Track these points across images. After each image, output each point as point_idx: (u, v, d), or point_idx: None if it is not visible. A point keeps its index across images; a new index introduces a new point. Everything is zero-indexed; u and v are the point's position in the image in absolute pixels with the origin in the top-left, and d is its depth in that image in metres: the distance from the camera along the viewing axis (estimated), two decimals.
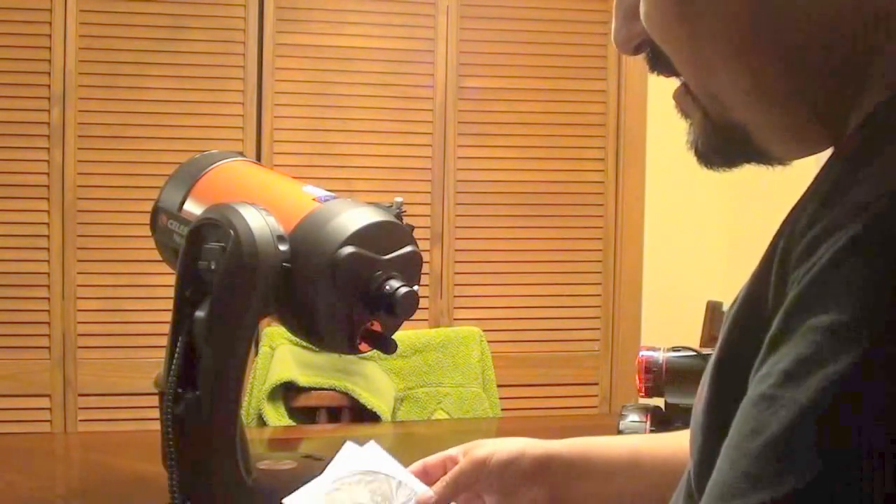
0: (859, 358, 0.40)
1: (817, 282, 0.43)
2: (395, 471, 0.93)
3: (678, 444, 0.91)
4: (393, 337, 1.02)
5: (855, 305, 0.41)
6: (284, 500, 0.89)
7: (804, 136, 0.57)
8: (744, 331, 0.50)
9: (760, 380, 0.44)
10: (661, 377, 1.28)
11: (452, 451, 0.95)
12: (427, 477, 0.94)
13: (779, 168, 0.60)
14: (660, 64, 0.60)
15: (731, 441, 0.45)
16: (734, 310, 0.53)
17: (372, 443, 0.95)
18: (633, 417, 1.21)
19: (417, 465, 0.95)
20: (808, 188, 0.51)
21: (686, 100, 0.60)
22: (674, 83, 0.62)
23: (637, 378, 1.30)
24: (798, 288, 0.44)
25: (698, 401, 0.58)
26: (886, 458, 0.39)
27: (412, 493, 0.91)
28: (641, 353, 1.31)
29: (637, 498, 0.91)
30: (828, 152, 0.56)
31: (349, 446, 0.94)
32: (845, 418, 0.40)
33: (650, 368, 1.29)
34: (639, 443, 0.94)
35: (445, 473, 0.93)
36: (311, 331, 1.00)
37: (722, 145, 0.59)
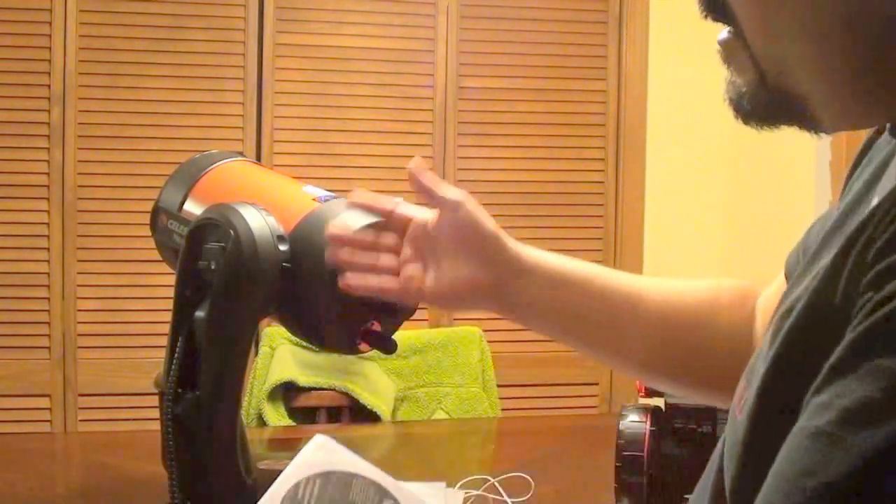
0: None
1: (892, 319, 0.41)
2: (351, 464, 0.91)
3: (628, 280, 0.92)
4: (393, 337, 1.02)
5: None
6: None
7: (863, 112, 0.54)
8: (805, 339, 0.48)
9: (818, 409, 0.43)
10: None
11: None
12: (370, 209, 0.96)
13: (811, 157, 0.58)
14: (716, 7, 0.56)
15: (783, 471, 0.43)
16: (798, 311, 0.50)
17: (323, 438, 0.94)
18: (633, 417, 1.21)
19: (375, 195, 0.98)
20: (887, 197, 0.48)
21: (740, 54, 0.56)
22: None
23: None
24: (870, 321, 0.42)
25: (738, 399, 0.56)
26: None
27: (371, 486, 0.90)
28: None
29: (581, 322, 0.91)
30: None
31: (306, 449, 0.92)
32: None
33: None
34: (596, 268, 0.93)
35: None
36: (311, 331, 1.00)
37: (771, 107, 0.56)
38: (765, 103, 0.56)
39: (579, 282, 0.92)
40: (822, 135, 0.58)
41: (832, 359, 0.43)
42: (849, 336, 0.42)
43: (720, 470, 0.58)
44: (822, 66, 0.53)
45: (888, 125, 0.56)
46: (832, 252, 0.49)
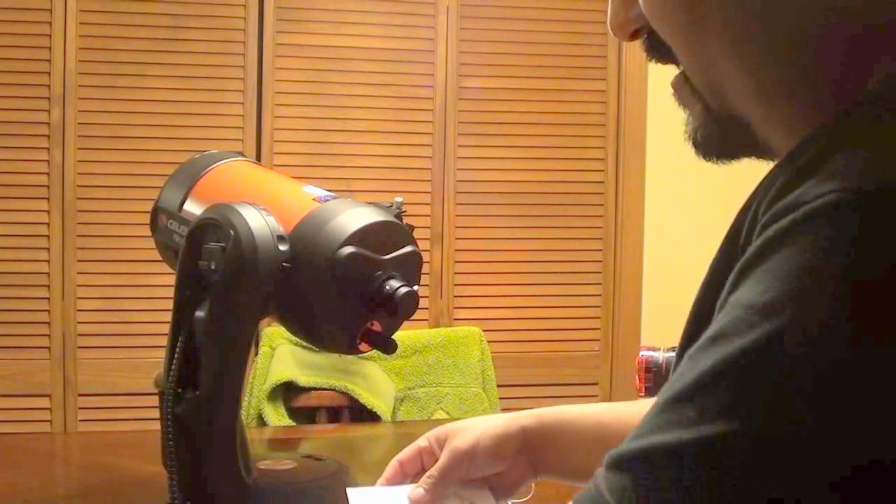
0: (761, 335, 0.43)
1: (749, 262, 0.46)
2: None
3: (641, 410, 0.93)
4: (393, 337, 1.02)
5: (770, 289, 0.44)
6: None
7: (806, 131, 0.56)
8: (704, 305, 0.52)
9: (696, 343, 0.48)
10: (661, 377, 1.28)
11: (423, 443, 0.95)
12: (403, 474, 0.95)
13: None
14: (657, 51, 0.59)
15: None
16: (702, 284, 0.54)
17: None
18: None
19: (392, 464, 0.95)
20: (776, 165, 0.51)
21: (685, 89, 0.59)
22: (673, 76, 0.60)
23: (637, 378, 1.30)
24: (737, 266, 0.47)
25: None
26: (755, 440, 0.42)
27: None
28: (641, 353, 1.32)
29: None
30: None
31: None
32: (733, 386, 0.43)
33: (650, 368, 1.29)
34: (605, 413, 0.94)
35: (423, 467, 0.94)
36: (311, 331, 1.00)
37: (722, 137, 0.58)
38: (715, 135, 0.58)
39: (592, 441, 0.93)
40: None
41: (718, 303, 0.48)
42: (728, 281, 0.48)
43: None
44: (750, 84, 0.55)
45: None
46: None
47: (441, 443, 0.93)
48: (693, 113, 0.59)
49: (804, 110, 0.55)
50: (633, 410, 0.94)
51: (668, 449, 0.44)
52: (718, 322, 0.46)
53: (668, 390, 0.46)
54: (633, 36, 0.60)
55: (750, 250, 0.46)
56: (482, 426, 0.93)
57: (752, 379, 0.43)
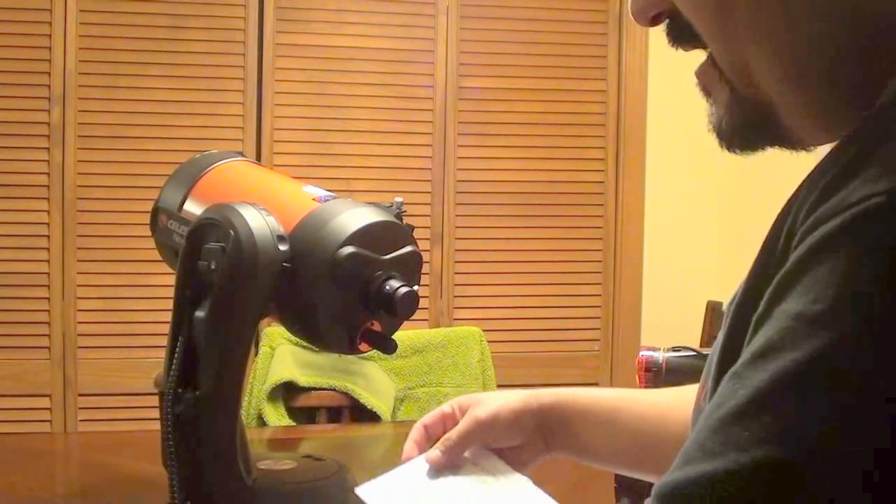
0: (818, 348, 0.41)
1: (795, 270, 0.44)
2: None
3: (656, 401, 0.95)
4: (393, 337, 1.02)
5: (822, 298, 0.42)
6: (358, 490, 0.90)
7: (833, 120, 0.55)
8: (745, 315, 0.50)
9: (740, 359, 0.46)
10: (661, 377, 1.28)
11: (446, 409, 0.97)
12: (427, 436, 0.96)
13: (803, 153, 0.58)
14: (680, 36, 0.57)
15: (704, 413, 0.46)
16: (739, 292, 0.52)
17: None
18: None
19: (417, 427, 0.96)
20: (822, 163, 0.50)
21: (711, 75, 0.57)
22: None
23: (637, 378, 1.30)
24: (780, 274, 0.45)
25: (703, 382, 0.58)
26: (821, 459, 0.40)
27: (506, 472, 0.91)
28: (641, 353, 1.31)
29: (612, 455, 0.94)
30: None
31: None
32: (791, 403, 0.41)
33: (650, 368, 1.29)
34: (620, 398, 0.95)
35: (445, 432, 0.94)
36: (311, 331, 1.00)
37: (747, 125, 0.57)
38: (741, 123, 0.57)
39: (606, 423, 0.94)
40: (811, 150, 0.58)
41: (755, 316, 0.47)
42: (767, 291, 0.46)
43: None
44: (777, 69, 0.53)
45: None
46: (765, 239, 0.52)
47: (463, 410, 0.94)
48: (719, 100, 0.57)
49: (833, 99, 0.53)
50: (647, 398, 0.95)
51: (731, 473, 0.41)
52: (765, 335, 0.44)
53: (718, 409, 0.44)
54: (654, 21, 0.58)
55: (794, 257, 0.45)
56: (504, 399, 0.94)
57: (811, 394, 0.41)
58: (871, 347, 0.40)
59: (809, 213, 0.46)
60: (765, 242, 0.51)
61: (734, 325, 0.51)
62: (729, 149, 0.59)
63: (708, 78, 0.58)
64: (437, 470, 0.91)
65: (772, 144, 0.58)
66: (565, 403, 0.94)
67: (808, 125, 0.56)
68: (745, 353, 0.45)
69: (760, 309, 0.46)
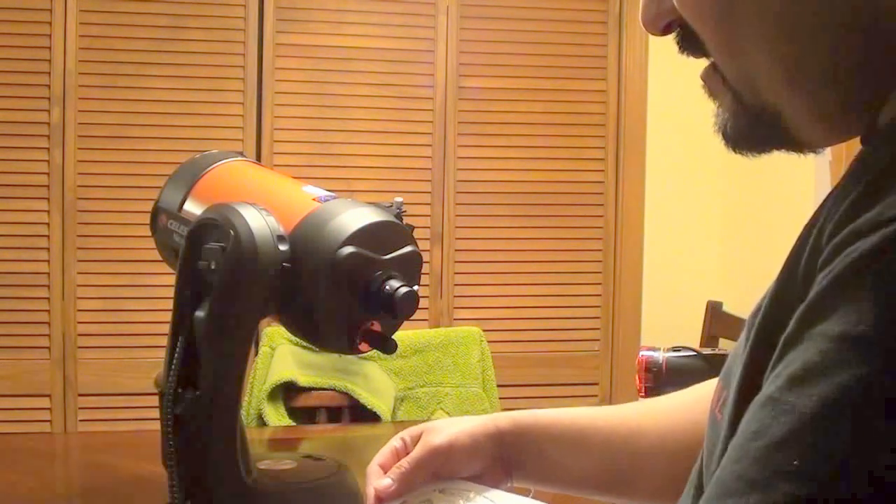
0: (866, 373, 0.40)
1: (833, 288, 0.43)
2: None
3: (625, 416, 0.90)
4: (393, 337, 1.01)
5: (866, 319, 0.41)
6: None
7: (837, 124, 0.55)
8: (771, 329, 0.49)
9: (771, 381, 0.44)
10: (661, 377, 1.28)
11: (396, 443, 0.91)
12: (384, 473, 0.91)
13: (810, 156, 0.58)
14: (691, 45, 0.58)
15: (735, 440, 0.44)
16: (765, 305, 0.51)
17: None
18: None
19: (373, 470, 0.90)
20: (846, 176, 0.49)
21: (715, 80, 0.58)
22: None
23: (637, 378, 1.30)
24: (814, 293, 0.44)
25: (717, 397, 0.58)
26: (882, 482, 0.39)
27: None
28: (641, 353, 1.31)
29: (582, 476, 0.89)
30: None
31: None
32: (844, 432, 0.40)
33: (650, 368, 1.29)
34: (586, 416, 0.91)
35: None
36: (310, 331, 1.00)
37: (752, 129, 0.57)
38: (745, 127, 0.57)
39: (573, 447, 0.89)
40: (817, 152, 0.58)
41: (785, 333, 0.45)
42: (799, 310, 0.44)
43: (701, 475, 0.59)
44: (783, 75, 0.53)
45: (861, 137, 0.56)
46: (792, 250, 0.51)
47: (415, 440, 0.90)
48: (723, 105, 0.58)
49: (836, 105, 0.54)
50: (614, 413, 0.91)
51: None
52: (803, 357, 0.42)
53: (758, 438, 0.42)
54: (666, 30, 0.58)
55: (830, 277, 0.43)
56: (459, 425, 0.89)
57: (860, 419, 0.39)
58: None
59: (837, 230, 0.44)
60: (789, 257, 0.50)
61: (759, 340, 0.50)
62: (735, 150, 0.59)
63: (712, 82, 0.58)
64: (389, 500, 0.85)
65: (778, 147, 0.58)
66: (525, 425, 0.89)
67: (814, 129, 0.56)
68: (781, 377, 0.43)
69: (791, 329, 0.44)
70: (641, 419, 0.89)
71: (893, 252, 0.41)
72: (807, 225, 0.50)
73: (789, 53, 0.53)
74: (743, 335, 0.55)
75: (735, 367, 0.54)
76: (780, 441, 0.41)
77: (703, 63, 0.59)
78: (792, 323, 0.44)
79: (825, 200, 0.49)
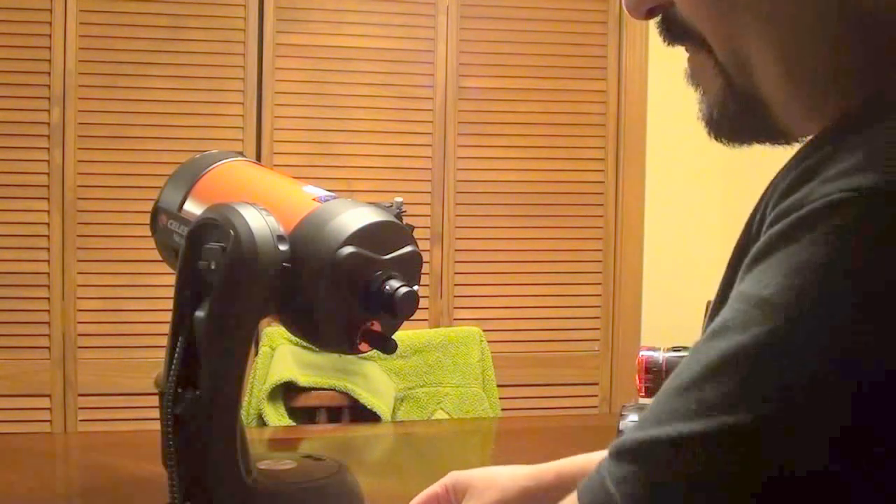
0: (763, 336, 0.44)
1: (753, 258, 0.47)
2: None
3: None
4: (393, 337, 1.02)
5: (770, 285, 0.45)
6: None
7: (825, 115, 0.55)
8: (721, 298, 0.52)
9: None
10: (661, 377, 1.28)
11: (437, 489, 0.91)
12: None
13: (786, 148, 0.59)
14: (674, 31, 0.58)
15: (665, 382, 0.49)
16: (718, 289, 0.54)
17: None
18: (633, 417, 1.21)
19: None
20: (786, 164, 0.51)
21: (706, 66, 0.57)
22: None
23: (637, 378, 1.30)
24: (747, 258, 0.48)
25: None
26: (751, 440, 0.42)
27: None
28: (641, 353, 1.31)
29: None
30: None
31: None
32: (731, 384, 0.44)
33: (650, 368, 1.29)
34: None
35: None
36: (310, 331, 1.00)
37: (740, 116, 0.58)
38: (734, 113, 0.58)
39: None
40: (789, 146, 0.59)
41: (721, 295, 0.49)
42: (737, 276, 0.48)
43: None
44: (777, 61, 0.54)
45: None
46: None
47: (459, 492, 0.89)
48: (711, 91, 0.58)
49: (827, 99, 0.54)
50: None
51: (671, 440, 0.44)
52: (721, 315, 0.47)
53: (673, 380, 0.47)
54: (649, 14, 0.59)
55: (756, 246, 0.47)
56: (500, 486, 0.87)
57: (751, 373, 0.43)
58: (815, 331, 0.43)
59: (775, 207, 0.48)
60: (741, 233, 0.53)
61: (713, 310, 0.54)
62: (717, 139, 0.60)
63: (702, 69, 0.58)
64: None
65: (760, 139, 0.59)
66: (569, 476, 0.87)
67: (798, 119, 0.57)
68: (707, 331, 0.48)
69: (727, 294, 0.49)
70: None
71: (801, 230, 0.45)
72: (755, 206, 0.52)
73: (784, 43, 0.53)
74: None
75: None
76: (683, 384, 0.46)
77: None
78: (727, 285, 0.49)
79: (771, 182, 0.51)
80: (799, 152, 0.50)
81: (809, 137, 0.56)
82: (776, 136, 0.58)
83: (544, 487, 0.87)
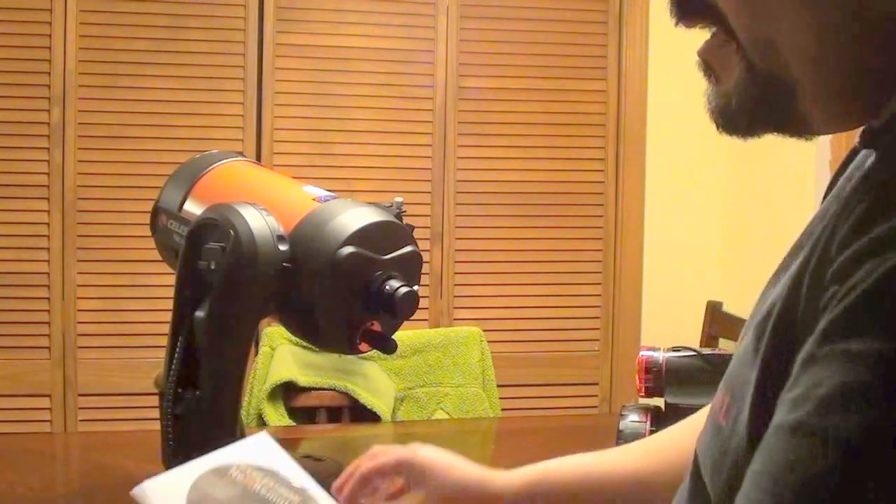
0: None
1: (859, 306, 0.41)
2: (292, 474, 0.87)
3: (623, 461, 0.88)
4: (393, 337, 1.02)
5: None
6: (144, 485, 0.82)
7: (849, 108, 0.53)
8: (778, 347, 0.48)
9: (795, 403, 0.42)
10: (661, 377, 1.28)
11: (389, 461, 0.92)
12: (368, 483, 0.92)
13: (810, 156, 0.57)
14: (690, 10, 0.55)
15: (765, 469, 0.42)
16: (775, 314, 0.50)
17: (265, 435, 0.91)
18: (633, 417, 1.21)
19: (359, 476, 0.92)
20: (844, 188, 0.48)
21: (723, 51, 0.54)
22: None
23: (637, 378, 1.30)
24: (837, 310, 0.42)
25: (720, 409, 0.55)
26: None
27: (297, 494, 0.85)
28: (641, 353, 1.31)
29: None
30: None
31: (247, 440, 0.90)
32: (892, 461, 0.38)
33: (650, 368, 1.29)
34: (586, 465, 0.89)
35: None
36: (311, 331, 1.00)
37: (760, 103, 0.54)
38: (753, 99, 0.54)
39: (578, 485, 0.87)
40: (810, 139, 0.56)
41: (802, 353, 0.43)
42: (818, 328, 0.42)
43: (700, 479, 0.57)
44: (810, 46, 0.51)
45: (859, 138, 0.54)
46: (801, 256, 0.49)
47: (413, 471, 0.89)
48: (729, 78, 0.55)
49: (856, 86, 0.51)
50: (617, 460, 0.89)
51: None
52: (832, 378, 0.40)
53: (794, 470, 0.40)
54: None
55: (858, 290, 0.41)
56: (456, 477, 0.87)
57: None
58: None
59: (848, 241, 0.43)
60: (790, 264, 0.49)
61: (772, 350, 0.48)
62: (728, 130, 0.56)
63: (716, 55, 0.55)
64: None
65: (775, 125, 0.56)
66: (532, 479, 0.87)
67: (824, 108, 0.53)
68: (810, 399, 0.41)
69: (812, 345, 0.42)
70: (639, 463, 0.87)
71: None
72: (805, 232, 0.49)
73: (819, 26, 0.50)
74: (748, 341, 0.53)
75: (741, 374, 0.52)
76: (820, 474, 0.39)
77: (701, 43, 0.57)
78: (811, 341, 0.42)
79: (825, 206, 0.48)
80: (872, 170, 0.46)
81: (837, 131, 0.53)
82: (793, 124, 0.55)
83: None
